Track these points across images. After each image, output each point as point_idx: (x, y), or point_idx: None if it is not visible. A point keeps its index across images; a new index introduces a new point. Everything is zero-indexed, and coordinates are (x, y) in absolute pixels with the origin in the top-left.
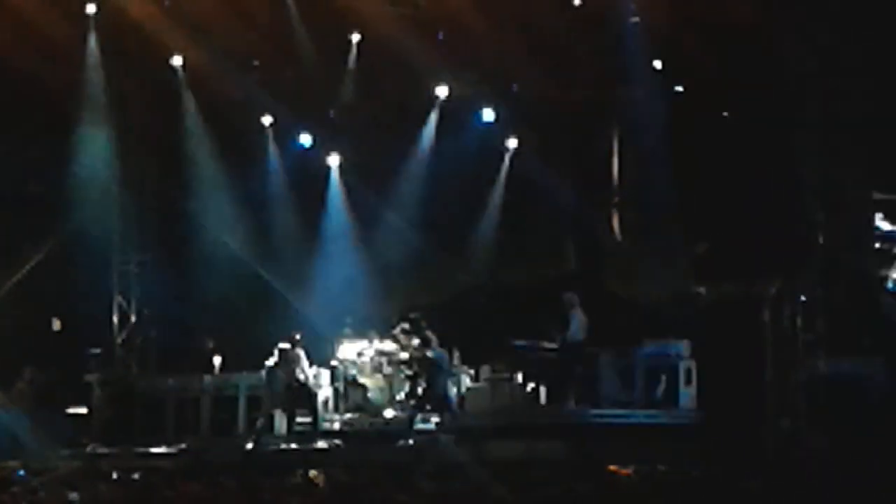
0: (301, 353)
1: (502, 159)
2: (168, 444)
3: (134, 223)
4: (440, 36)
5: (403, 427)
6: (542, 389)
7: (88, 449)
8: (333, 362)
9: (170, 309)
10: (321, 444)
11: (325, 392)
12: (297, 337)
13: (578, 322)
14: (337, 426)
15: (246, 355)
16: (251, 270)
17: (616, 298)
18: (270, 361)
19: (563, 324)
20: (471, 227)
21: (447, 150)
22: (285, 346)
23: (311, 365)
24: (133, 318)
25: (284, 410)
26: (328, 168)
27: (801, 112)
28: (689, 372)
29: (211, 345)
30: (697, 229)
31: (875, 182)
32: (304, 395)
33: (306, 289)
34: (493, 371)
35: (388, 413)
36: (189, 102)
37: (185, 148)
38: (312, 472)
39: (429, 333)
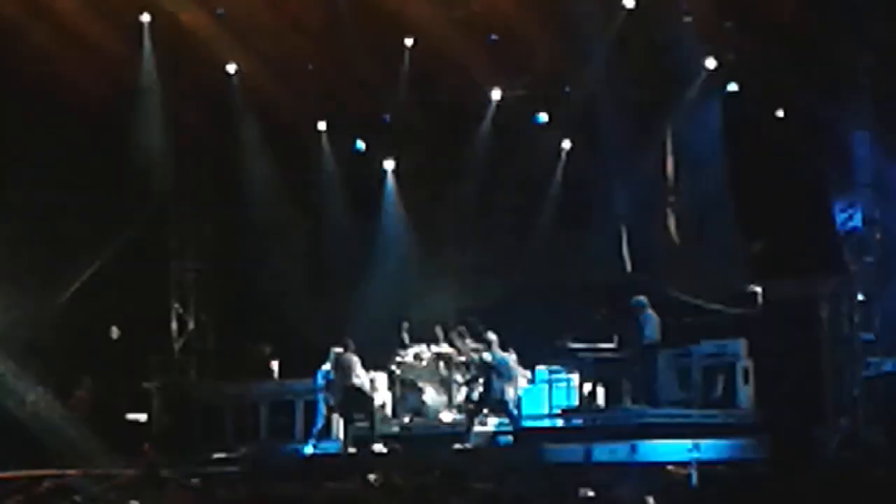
0: (355, 358)
1: (557, 161)
2: (227, 451)
3: (191, 230)
4: (493, 38)
5: (461, 430)
6: (600, 390)
7: (148, 456)
8: (391, 366)
9: (227, 315)
10: (379, 448)
11: (382, 396)
12: (350, 342)
13: (653, 322)
14: (395, 430)
15: (303, 361)
16: (307, 275)
17: (673, 299)
18: (326, 367)
19: (635, 326)
20: (526, 229)
21: (501, 153)
22: (339, 350)
23: (367, 370)
24: (191, 325)
25: (341, 415)
26: (384, 172)
27: (855, 109)
28: (746, 371)
29: (268, 351)
30: (753, 228)
31: None
32: (360, 400)
33: (363, 293)
34: (550, 373)
35: (446, 416)
36: (243, 109)
37: (241, 154)
38: (370, 477)
39: (490, 335)
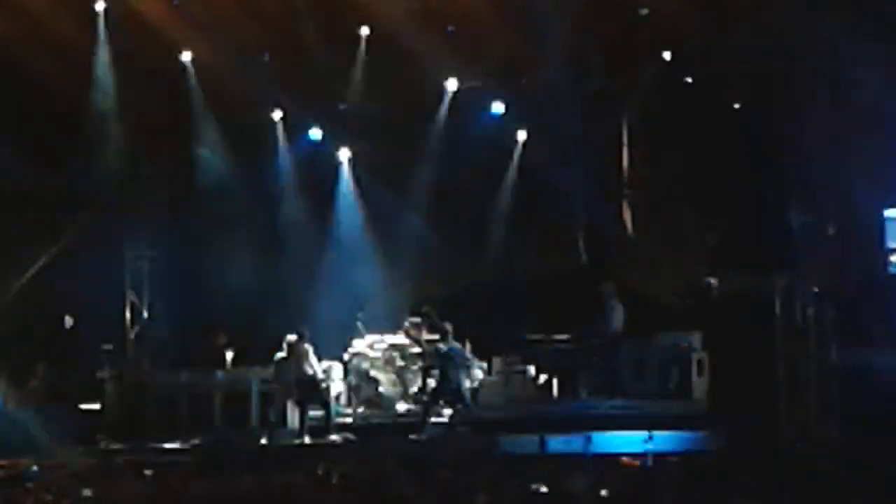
0: (308, 347)
1: (513, 152)
2: (181, 440)
3: (145, 219)
4: (449, 29)
5: (416, 421)
6: (555, 381)
7: (101, 445)
8: (346, 356)
9: (181, 304)
10: (334, 438)
11: (337, 386)
12: (304, 331)
13: (620, 313)
14: (349, 420)
15: (258, 350)
16: (262, 265)
17: (628, 291)
18: (279, 355)
19: (601, 315)
20: (481, 220)
21: (457, 144)
22: (293, 339)
23: (321, 360)
24: (145, 314)
25: (296, 405)
26: (339, 162)
27: (811, 101)
28: (700, 363)
29: (223, 340)
30: (709, 221)
31: (884, 171)
32: (313, 390)
33: (318, 283)
34: (506, 364)
35: (401, 407)
36: (199, 98)
37: (196, 143)
38: (325, 467)
39: (445, 325)
